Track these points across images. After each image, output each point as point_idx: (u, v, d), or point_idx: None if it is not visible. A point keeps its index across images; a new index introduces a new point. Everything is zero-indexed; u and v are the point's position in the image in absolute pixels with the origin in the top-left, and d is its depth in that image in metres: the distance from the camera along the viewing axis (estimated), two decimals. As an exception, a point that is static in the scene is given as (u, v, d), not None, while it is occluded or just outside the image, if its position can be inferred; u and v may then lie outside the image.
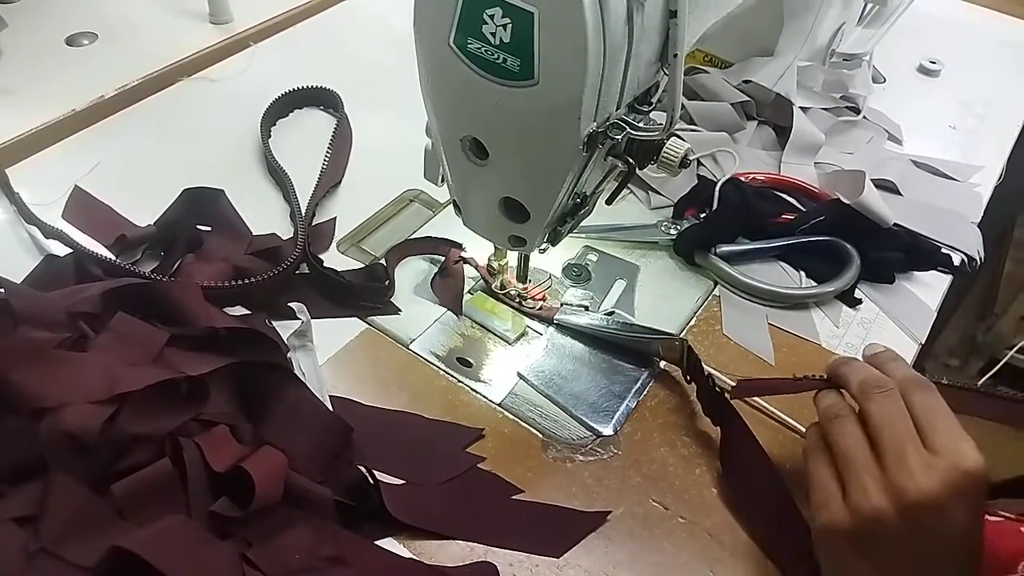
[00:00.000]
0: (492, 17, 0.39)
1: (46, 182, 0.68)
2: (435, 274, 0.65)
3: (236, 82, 0.83)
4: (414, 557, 0.48)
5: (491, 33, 0.40)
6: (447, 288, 0.64)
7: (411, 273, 0.65)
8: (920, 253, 0.69)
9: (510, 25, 0.39)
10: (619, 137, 0.44)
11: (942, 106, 0.91)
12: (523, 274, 0.61)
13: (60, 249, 0.61)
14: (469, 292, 0.64)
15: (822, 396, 0.49)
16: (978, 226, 0.75)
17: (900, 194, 0.76)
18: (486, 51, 0.41)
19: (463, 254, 0.65)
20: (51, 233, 0.62)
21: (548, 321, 0.62)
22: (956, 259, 0.71)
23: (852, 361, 0.49)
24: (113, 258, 0.60)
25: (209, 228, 0.65)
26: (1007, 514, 0.50)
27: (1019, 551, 0.47)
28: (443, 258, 0.66)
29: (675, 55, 0.42)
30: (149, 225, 0.64)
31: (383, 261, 0.64)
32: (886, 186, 0.76)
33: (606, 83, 0.41)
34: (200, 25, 0.88)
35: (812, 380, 0.51)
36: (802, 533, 0.48)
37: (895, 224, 0.69)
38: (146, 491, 0.44)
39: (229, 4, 0.89)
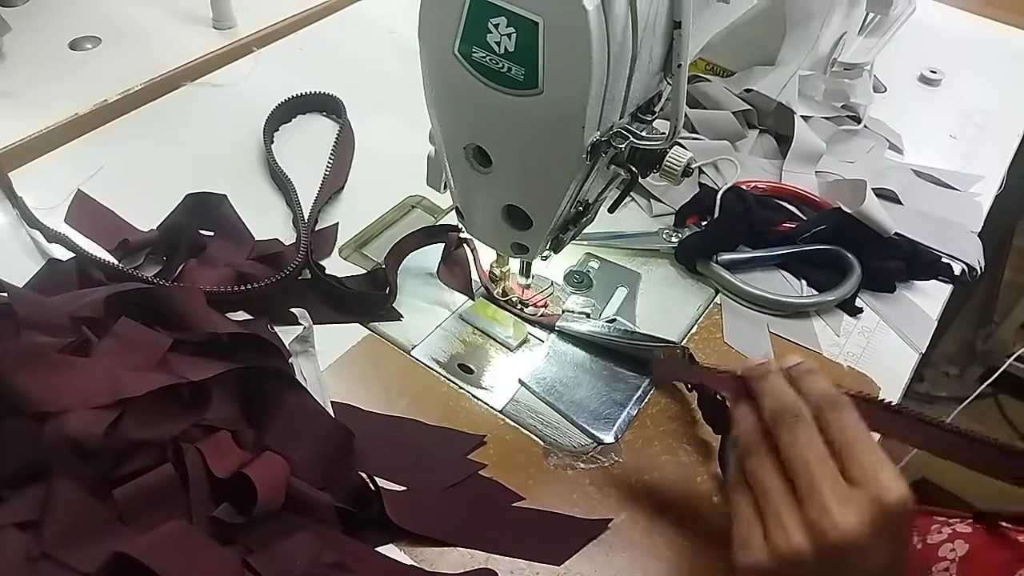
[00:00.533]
0: (497, 26, 0.40)
1: (49, 186, 0.68)
2: (440, 263, 0.65)
3: (239, 87, 0.83)
4: (415, 564, 0.48)
5: (496, 42, 0.40)
6: (455, 274, 0.64)
7: (412, 278, 0.65)
8: (921, 262, 0.69)
9: (515, 34, 0.39)
10: (622, 146, 0.45)
11: (943, 115, 0.92)
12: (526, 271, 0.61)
13: (63, 253, 0.61)
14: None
15: (740, 420, 0.45)
16: (978, 235, 0.75)
17: (901, 203, 0.76)
18: (491, 60, 0.41)
19: (462, 235, 0.64)
20: (54, 237, 0.62)
21: (550, 328, 0.62)
22: (956, 268, 0.71)
23: (764, 379, 0.44)
24: (116, 263, 0.60)
25: (212, 233, 0.65)
26: (1006, 525, 0.50)
27: (1019, 559, 0.47)
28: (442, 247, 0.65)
29: (679, 65, 0.42)
30: (152, 230, 0.64)
31: (384, 266, 0.64)
32: (887, 195, 0.76)
33: (610, 92, 0.41)
34: (203, 30, 0.89)
35: (735, 378, 0.46)
36: None
37: (896, 233, 0.69)
38: (148, 496, 0.44)
39: (232, 9, 0.89)
